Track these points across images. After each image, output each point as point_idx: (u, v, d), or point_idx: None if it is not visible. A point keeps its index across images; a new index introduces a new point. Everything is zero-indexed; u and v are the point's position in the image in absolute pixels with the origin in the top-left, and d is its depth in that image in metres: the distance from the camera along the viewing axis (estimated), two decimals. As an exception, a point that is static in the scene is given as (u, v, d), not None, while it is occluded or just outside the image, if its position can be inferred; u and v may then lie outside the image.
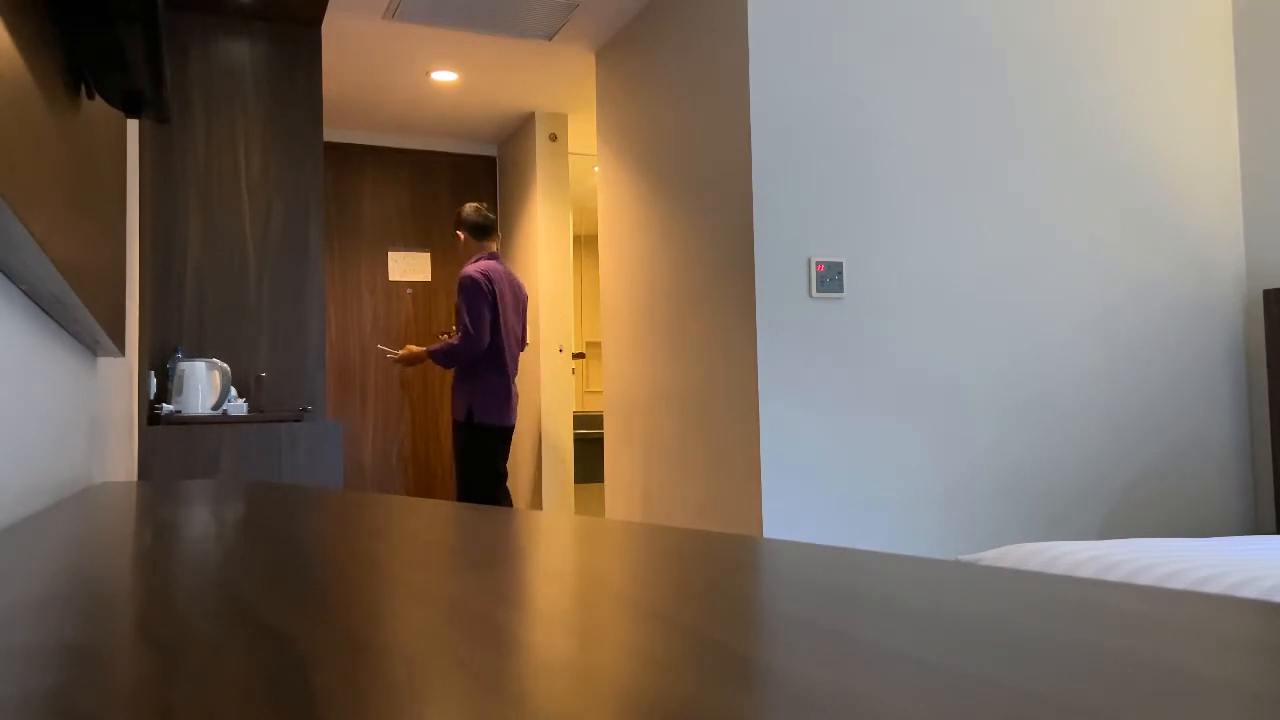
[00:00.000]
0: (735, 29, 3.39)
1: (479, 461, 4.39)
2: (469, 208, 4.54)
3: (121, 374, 2.17)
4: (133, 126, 2.28)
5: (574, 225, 7.04)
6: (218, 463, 2.93)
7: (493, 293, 4.37)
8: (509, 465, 5.92)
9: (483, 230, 4.52)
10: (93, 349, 1.60)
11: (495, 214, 4.60)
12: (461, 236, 4.54)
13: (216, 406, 3.18)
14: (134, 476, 2.71)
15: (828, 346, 3.32)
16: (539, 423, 5.40)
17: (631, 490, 4.09)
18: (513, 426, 4.50)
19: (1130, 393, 3.74)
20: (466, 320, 4.33)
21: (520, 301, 4.59)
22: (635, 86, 4.16)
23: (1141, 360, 3.77)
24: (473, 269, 4.39)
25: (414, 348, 4.53)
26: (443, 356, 4.37)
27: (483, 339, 4.30)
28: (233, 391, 3.31)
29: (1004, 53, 3.65)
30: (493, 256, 4.53)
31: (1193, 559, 2.14)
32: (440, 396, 5.90)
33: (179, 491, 1.24)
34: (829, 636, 0.31)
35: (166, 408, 3.20)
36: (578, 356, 7.47)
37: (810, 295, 3.31)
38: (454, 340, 4.37)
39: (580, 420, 6.39)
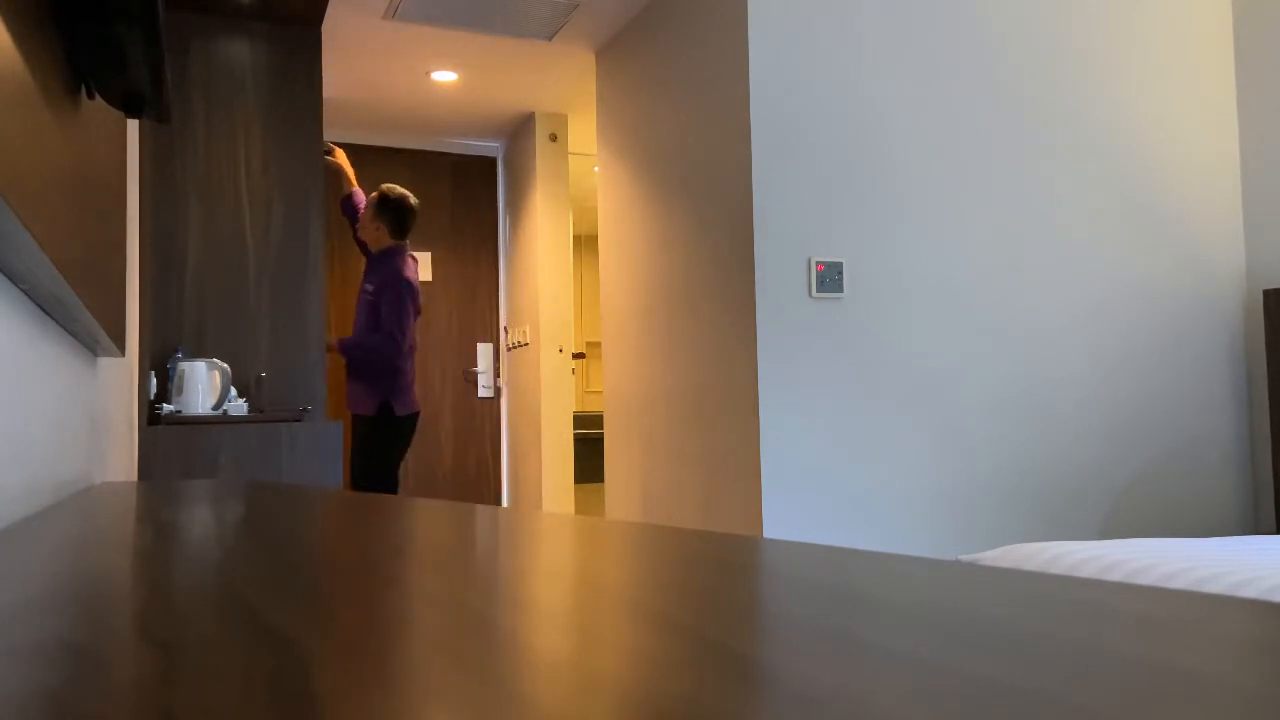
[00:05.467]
0: (735, 29, 3.39)
1: (390, 457, 4.13)
2: (398, 193, 4.21)
3: (121, 374, 2.17)
4: (133, 126, 2.28)
5: (574, 225, 7.04)
6: (218, 463, 2.93)
7: (416, 295, 4.18)
8: (511, 467, 5.92)
9: (405, 228, 4.23)
10: (93, 349, 1.60)
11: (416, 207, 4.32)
12: (378, 224, 4.20)
13: (216, 406, 3.18)
14: (134, 476, 2.71)
15: (828, 346, 3.32)
16: (539, 423, 5.40)
17: (631, 490, 4.09)
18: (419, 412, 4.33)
19: (1130, 393, 3.74)
20: (393, 325, 4.08)
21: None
22: (635, 86, 4.16)
23: (1141, 360, 3.77)
24: (405, 270, 4.16)
25: (330, 338, 4.18)
26: (359, 352, 4.08)
27: (404, 345, 4.11)
28: (233, 391, 3.31)
29: (1004, 53, 3.65)
30: (405, 246, 4.26)
31: (1192, 559, 2.14)
32: (441, 395, 5.90)
33: (179, 491, 1.24)
34: (829, 636, 0.31)
35: (166, 408, 3.20)
36: (578, 356, 7.47)
37: (810, 295, 3.31)
38: (371, 339, 4.08)
39: (580, 420, 6.39)
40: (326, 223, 5.60)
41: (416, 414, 4.22)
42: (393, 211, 4.20)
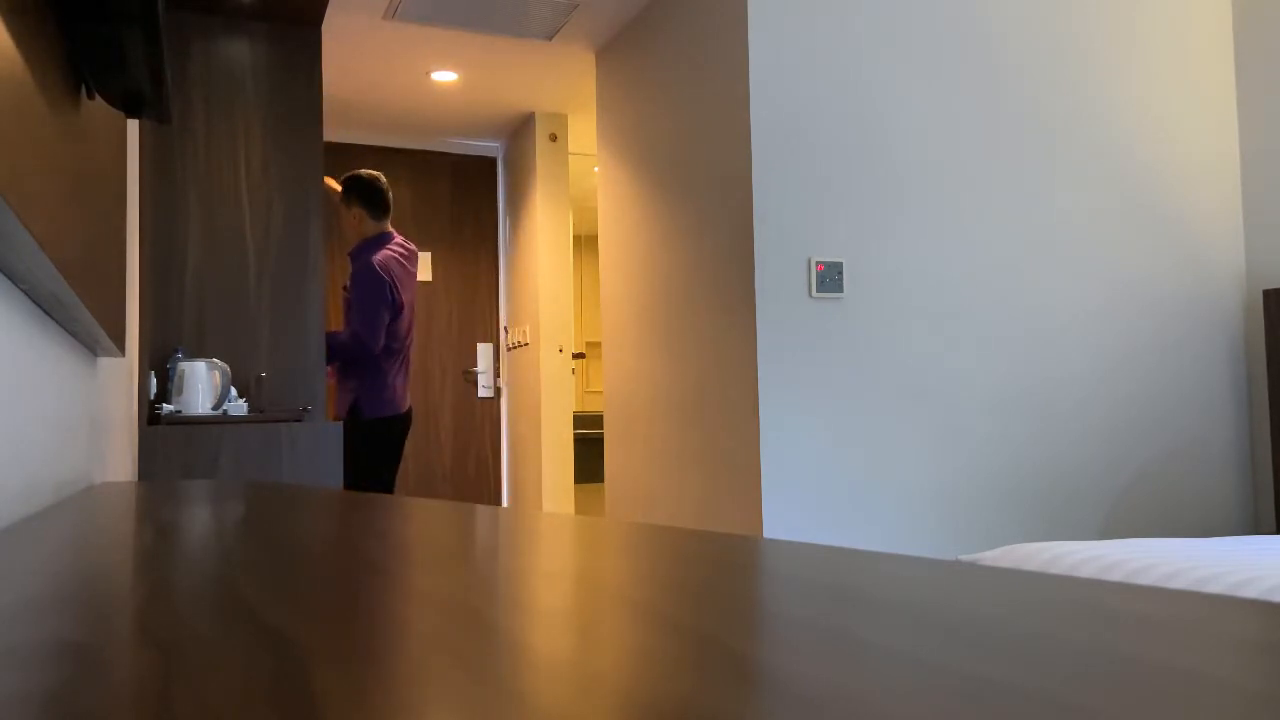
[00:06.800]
0: (735, 29, 3.39)
1: (365, 463, 3.87)
2: (368, 175, 3.97)
3: (121, 374, 2.17)
4: (133, 126, 2.28)
5: (574, 225, 7.04)
6: (218, 463, 2.93)
7: (393, 288, 3.88)
8: (511, 467, 5.92)
9: (383, 209, 3.97)
10: (93, 349, 1.60)
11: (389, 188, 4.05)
12: (354, 211, 3.97)
13: (216, 406, 3.18)
14: (134, 476, 2.71)
15: (828, 346, 3.32)
16: (539, 423, 5.40)
17: (631, 490, 4.09)
18: (409, 413, 4.01)
19: (1130, 393, 3.74)
20: (358, 324, 3.81)
21: (413, 275, 4.05)
22: (635, 86, 4.16)
23: (1142, 360, 3.77)
24: (377, 258, 3.87)
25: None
26: (331, 351, 3.84)
27: (375, 345, 3.82)
28: (233, 391, 3.31)
29: (1004, 53, 3.65)
30: (388, 236, 3.99)
31: (1193, 559, 2.14)
32: (441, 395, 5.90)
33: (179, 491, 1.24)
34: (829, 636, 0.31)
35: (166, 408, 3.20)
36: (578, 356, 7.48)
37: (810, 295, 3.31)
38: (337, 337, 3.85)
39: (580, 420, 6.39)
40: (326, 223, 5.60)
41: (397, 417, 3.91)
42: (361, 191, 3.97)
